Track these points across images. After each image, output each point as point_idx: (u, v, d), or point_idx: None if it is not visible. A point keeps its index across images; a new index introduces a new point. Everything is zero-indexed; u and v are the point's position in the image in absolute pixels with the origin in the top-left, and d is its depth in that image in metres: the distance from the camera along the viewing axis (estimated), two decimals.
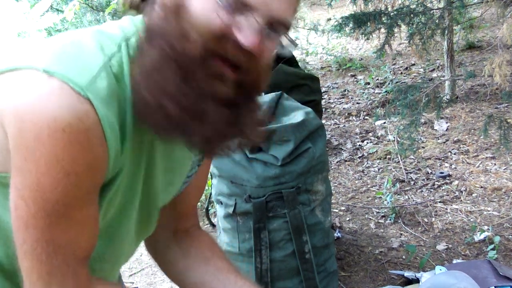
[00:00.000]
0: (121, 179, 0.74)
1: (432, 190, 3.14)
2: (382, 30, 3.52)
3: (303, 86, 2.73)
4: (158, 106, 0.67)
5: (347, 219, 2.94)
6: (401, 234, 2.73)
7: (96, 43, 0.68)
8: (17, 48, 0.72)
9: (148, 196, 0.84)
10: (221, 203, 2.04)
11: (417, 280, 2.19)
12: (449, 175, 3.25)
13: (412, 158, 3.53)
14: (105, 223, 0.78)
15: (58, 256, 0.69)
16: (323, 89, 5.17)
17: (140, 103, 0.68)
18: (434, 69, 5.12)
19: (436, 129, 3.93)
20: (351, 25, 3.47)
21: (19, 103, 0.63)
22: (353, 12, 3.54)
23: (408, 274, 2.29)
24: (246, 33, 0.67)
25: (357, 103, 4.72)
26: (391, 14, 3.43)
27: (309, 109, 2.10)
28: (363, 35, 3.55)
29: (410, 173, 3.37)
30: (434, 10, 3.59)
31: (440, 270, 2.16)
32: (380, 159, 3.62)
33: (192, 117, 0.68)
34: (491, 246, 2.47)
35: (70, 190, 0.65)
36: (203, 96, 0.68)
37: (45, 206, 0.65)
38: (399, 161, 3.52)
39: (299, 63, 3.28)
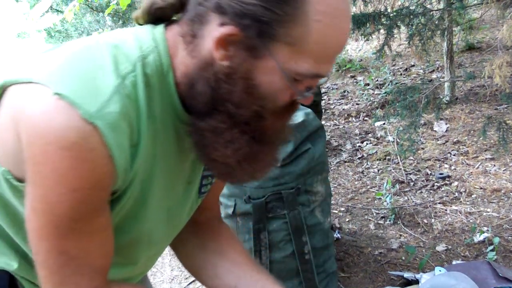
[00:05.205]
0: (133, 189, 0.75)
1: (431, 191, 3.14)
2: (382, 31, 3.53)
3: None
4: (236, 165, 0.76)
5: (347, 220, 2.94)
6: (400, 235, 2.73)
7: (111, 61, 0.68)
8: (32, 55, 0.73)
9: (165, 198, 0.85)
10: (221, 204, 2.04)
11: (416, 281, 2.19)
12: (449, 176, 3.25)
13: (412, 159, 3.53)
14: (118, 222, 0.79)
15: (70, 267, 0.71)
16: (322, 90, 5.17)
17: (218, 162, 0.76)
18: (433, 70, 5.13)
19: (435, 130, 3.93)
20: (350, 26, 3.47)
21: (31, 115, 0.64)
22: (352, 13, 3.54)
23: (407, 275, 2.29)
24: (308, 97, 0.76)
25: (357, 104, 4.72)
26: (391, 15, 3.43)
27: (308, 110, 2.10)
28: (363, 36, 3.55)
29: (410, 174, 3.37)
30: (434, 11, 3.59)
31: (440, 271, 2.16)
32: (380, 160, 3.62)
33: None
34: (491, 247, 2.47)
35: (76, 206, 0.67)
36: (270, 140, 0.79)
37: (53, 219, 0.67)
38: (398, 162, 3.52)
39: None
